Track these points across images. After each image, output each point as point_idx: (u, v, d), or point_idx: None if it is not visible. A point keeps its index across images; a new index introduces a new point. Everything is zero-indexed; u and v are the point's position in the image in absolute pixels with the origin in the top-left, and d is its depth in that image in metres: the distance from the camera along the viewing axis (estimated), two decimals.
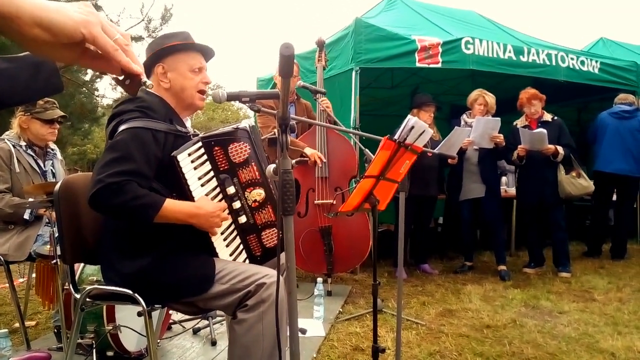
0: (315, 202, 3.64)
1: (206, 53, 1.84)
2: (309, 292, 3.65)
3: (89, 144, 19.90)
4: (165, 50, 1.75)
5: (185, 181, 1.63)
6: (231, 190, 1.76)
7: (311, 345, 2.66)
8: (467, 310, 3.36)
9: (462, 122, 4.57)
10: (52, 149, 2.91)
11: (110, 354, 2.33)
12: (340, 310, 3.39)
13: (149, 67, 1.78)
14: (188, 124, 1.88)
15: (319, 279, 3.22)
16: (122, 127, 1.58)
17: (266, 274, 1.60)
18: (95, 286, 1.63)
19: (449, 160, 4.30)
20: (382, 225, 6.11)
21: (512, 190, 5.64)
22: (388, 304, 3.51)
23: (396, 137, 1.66)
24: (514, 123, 4.63)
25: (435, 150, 4.19)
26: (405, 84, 6.65)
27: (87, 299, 1.62)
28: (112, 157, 1.50)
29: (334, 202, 3.65)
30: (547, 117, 4.45)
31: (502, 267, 4.38)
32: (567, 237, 4.45)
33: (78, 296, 1.63)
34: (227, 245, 1.75)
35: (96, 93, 10.02)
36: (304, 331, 2.82)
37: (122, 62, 0.68)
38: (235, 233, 1.80)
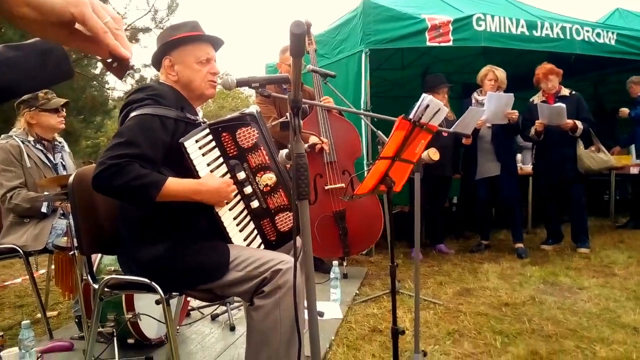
0: (326, 187, 3.62)
1: (214, 43, 1.83)
2: (324, 277, 3.66)
3: (102, 136, 20.08)
4: (171, 43, 1.74)
5: (194, 167, 1.62)
6: (241, 175, 1.75)
7: (329, 328, 2.67)
8: (484, 289, 3.34)
9: (473, 101, 4.48)
10: (60, 142, 2.93)
11: (131, 341, 2.36)
12: (357, 292, 3.39)
13: (157, 60, 1.78)
14: (200, 114, 1.87)
15: (335, 262, 3.21)
16: (131, 114, 1.58)
17: (282, 259, 1.59)
18: (113, 276, 1.64)
19: (464, 140, 4.24)
20: (395, 207, 6.07)
21: (528, 167, 5.55)
22: (405, 285, 3.50)
23: (411, 116, 1.63)
24: (531, 99, 4.54)
25: (450, 130, 4.13)
26: (416, 64, 6.54)
27: (106, 289, 1.64)
28: (117, 142, 1.51)
29: (345, 186, 3.63)
30: (565, 91, 4.34)
31: (520, 245, 4.33)
32: (586, 212, 4.37)
33: (96, 286, 1.64)
34: (240, 231, 1.75)
35: (107, 86, 10.06)
36: (321, 314, 2.83)
37: (110, 45, 0.66)
38: (248, 218, 1.80)
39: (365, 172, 4.50)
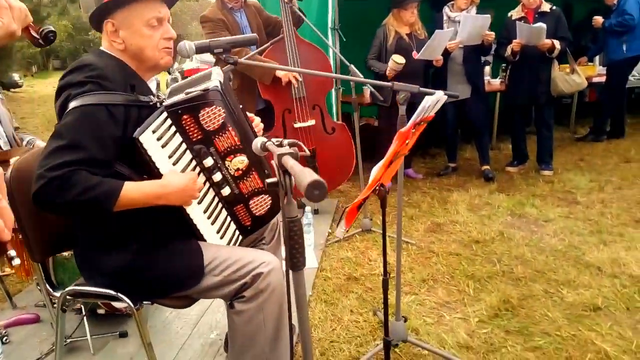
0: (295, 125, 3.39)
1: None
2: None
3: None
4: (113, 2, 1.38)
5: (154, 164, 1.39)
6: (209, 162, 1.54)
7: (306, 280, 2.64)
8: (455, 224, 3.38)
9: (445, 16, 4.17)
10: None
11: (101, 311, 2.26)
12: (329, 231, 3.36)
13: (97, 22, 1.42)
14: (153, 85, 1.57)
15: (307, 207, 3.12)
16: (71, 105, 1.29)
17: (262, 261, 1.46)
18: (74, 288, 1.47)
19: (434, 62, 4.00)
20: (362, 119, 5.92)
21: (496, 82, 5.44)
22: (376, 221, 3.49)
23: (411, 123, 1.41)
24: (509, 14, 4.26)
25: (418, 56, 3.88)
26: None
27: (68, 297, 1.48)
28: (57, 146, 1.24)
29: (315, 123, 3.42)
30: (546, 6, 4.08)
31: (486, 167, 4.36)
32: (553, 135, 4.38)
33: (58, 294, 1.47)
34: (212, 223, 1.58)
35: None
36: None
37: None
38: (220, 207, 1.62)
39: (334, 105, 4.27)
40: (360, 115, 5.56)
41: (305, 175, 0.77)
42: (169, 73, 11.55)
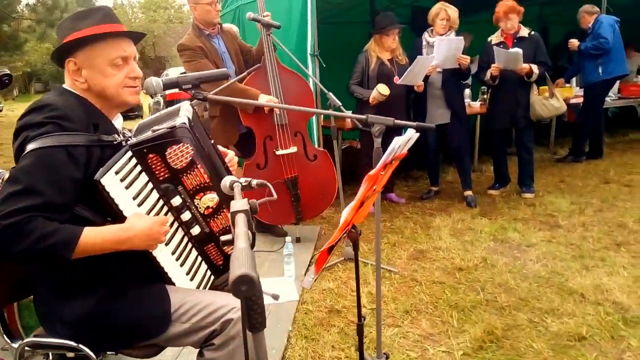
0: (277, 152, 3.34)
1: (132, 36, 1.43)
2: (276, 242, 3.52)
3: (19, 61, 17.94)
4: (74, 42, 1.33)
5: (116, 206, 1.32)
6: (177, 201, 1.48)
7: (285, 314, 2.57)
8: (438, 250, 3.34)
9: (424, 42, 4.21)
10: None
11: (70, 355, 2.14)
12: (311, 260, 3.29)
13: (58, 60, 1.37)
14: (118, 122, 1.51)
15: (288, 238, 3.05)
16: (28, 147, 1.23)
17: (233, 307, 1.39)
18: (32, 339, 1.38)
19: (415, 88, 4.02)
20: (344, 142, 5.91)
21: (476, 105, 5.48)
22: (360, 249, 3.43)
23: (380, 165, 1.37)
24: (489, 39, 4.32)
25: (400, 82, 3.90)
26: None
27: (27, 349, 1.39)
28: (12, 191, 1.17)
29: (297, 150, 3.38)
30: (524, 32, 4.15)
31: (469, 193, 4.35)
32: (533, 158, 4.41)
33: (15, 346, 1.38)
34: (181, 265, 1.51)
35: (14, 15, 8.49)
36: (276, 297, 2.70)
37: None
38: (189, 247, 1.56)
39: (314, 130, 4.24)
40: (342, 137, 5.60)
41: (239, 263, 0.72)
42: (152, 97, 11.44)
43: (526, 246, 3.32)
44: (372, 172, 1.27)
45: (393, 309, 2.61)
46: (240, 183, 1.24)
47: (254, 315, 0.79)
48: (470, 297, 2.68)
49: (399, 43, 4.08)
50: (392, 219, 4.01)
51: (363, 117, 1.80)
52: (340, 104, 2.95)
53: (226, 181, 1.27)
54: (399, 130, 4.45)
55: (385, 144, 4.28)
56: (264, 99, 3.18)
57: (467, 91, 5.89)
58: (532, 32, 4.17)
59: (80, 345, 1.32)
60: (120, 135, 1.43)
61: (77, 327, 1.33)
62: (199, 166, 1.50)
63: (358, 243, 1.55)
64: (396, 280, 2.93)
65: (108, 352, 1.40)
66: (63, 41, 1.35)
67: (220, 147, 1.82)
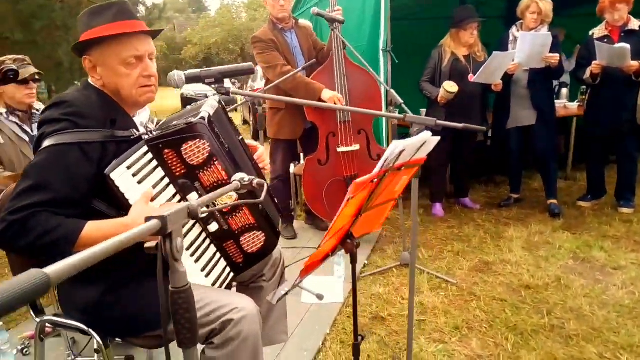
0: (339, 149, 3.28)
1: (148, 34, 1.44)
2: None
3: None
4: (86, 41, 1.37)
5: (127, 200, 1.33)
6: (194, 197, 1.47)
7: (326, 316, 2.50)
8: (505, 264, 3.05)
9: (511, 37, 3.84)
10: (38, 110, 2.66)
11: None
12: (366, 262, 3.18)
13: (80, 56, 1.43)
14: (144, 115, 1.53)
15: None
16: (44, 144, 1.28)
17: (235, 307, 1.35)
18: (51, 317, 1.46)
19: (493, 87, 3.70)
20: None
21: (573, 106, 4.94)
22: (418, 255, 3.25)
23: (376, 171, 1.23)
24: (590, 33, 3.84)
25: (474, 79, 3.62)
26: None
27: (47, 327, 1.47)
28: (24, 187, 1.23)
29: (360, 148, 3.28)
30: (634, 24, 3.62)
31: (553, 201, 3.92)
32: (637, 169, 3.86)
33: (38, 321, 1.47)
34: (196, 261, 1.50)
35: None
36: (320, 297, 2.63)
37: None
38: (207, 243, 1.55)
39: (384, 129, 4.08)
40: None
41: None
42: None
43: (612, 268, 2.91)
44: (359, 180, 1.15)
45: (442, 323, 2.42)
46: (239, 182, 1.20)
47: (182, 331, 0.73)
48: (533, 320, 2.40)
49: (477, 38, 3.79)
50: (462, 226, 3.74)
51: (400, 116, 1.66)
52: (402, 101, 2.78)
53: (236, 176, 1.24)
54: (473, 133, 4.16)
55: (456, 148, 4.04)
56: (327, 94, 3.13)
57: (565, 91, 5.35)
58: None
59: (90, 330, 1.36)
60: (142, 129, 1.46)
61: (86, 312, 1.38)
62: (216, 163, 1.48)
63: (355, 256, 1.42)
64: (452, 292, 2.72)
65: (116, 339, 1.44)
66: (79, 39, 1.39)
67: (250, 142, 1.80)
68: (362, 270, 3.05)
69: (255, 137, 9.28)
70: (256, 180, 1.21)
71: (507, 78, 3.72)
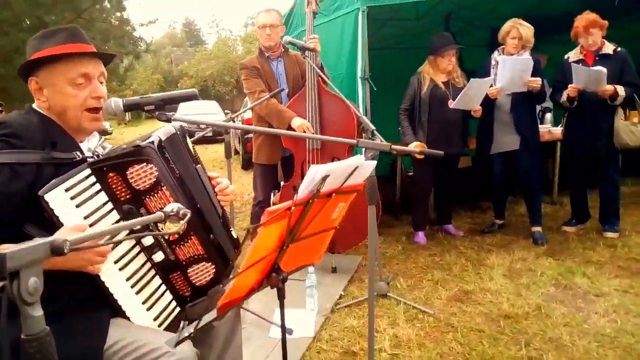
0: None
1: (99, 57, 1.42)
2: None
3: (126, 89, 19.84)
4: (33, 61, 1.34)
5: (61, 224, 1.27)
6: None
7: (293, 352, 2.38)
8: (485, 292, 2.96)
9: (493, 62, 3.86)
10: None
11: None
12: (342, 293, 3.08)
13: (25, 78, 1.39)
14: (93, 142, 1.49)
15: (310, 269, 2.88)
16: None
17: (167, 350, 1.26)
18: None
19: (472, 113, 3.69)
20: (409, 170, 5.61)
21: (557, 131, 4.92)
22: (396, 284, 3.16)
23: (299, 197, 1.17)
24: (566, 56, 3.87)
25: (453, 106, 3.61)
26: (434, 12, 5.78)
27: None
28: None
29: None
30: (609, 48, 3.65)
31: (537, 229, 3.86)
32: (619, 193, 3.81)
33: None
34: (137, 293, 1.42)
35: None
36: (290, 332, 2.53)
37: None
38: (151, 274, 1.47)
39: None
40: (404, 168, 5.32)
41: None
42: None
43: (594, 295, 2.82)
44: (272, 207, 1.08)
45: (416, 357, 2.32)
46: (167, 212, 1.14)
47: None
48: (510, 352, 2.30)
49: (456, 64, 3.81)
50: (443, 254, 3.66)
51: (353, 141, 1.62)
52: (373, 128, 2.74)
53: (168, 207, 1.18)
54: (454, 160, 4.14)
55: (438, 174, 4.01)
56: (296, 122, 3.12)
57: (549, 116, 5.34)
58: (619, 49, 3.64)
59: None
60: (88, 154, 1.41)
61: (11, 351, 1.29)
62: (164, 188, 1.43)
63: (283, 291, 1.34)
64: (428, 324, 2.62)
65: None
66: (27, 60, 1.37)
67: (213, 174, 1.75)
68: (337, 302, 2.95)
69: (246, 166, 9.27)
70: (182, 211, 1.15)
71: (490, 103, 3.71)
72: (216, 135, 12.42)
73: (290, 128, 3.13)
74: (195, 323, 1.11)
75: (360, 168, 1.28)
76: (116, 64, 9.03)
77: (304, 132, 3.11)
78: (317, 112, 3.22)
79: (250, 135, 3.72)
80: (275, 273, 1.27)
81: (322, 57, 3.48)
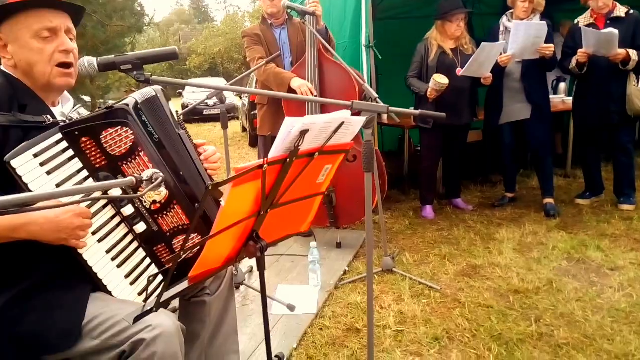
0: None
1: (67, 9, 1.30)
2: (306, 243, 3.27)
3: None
4: None
5: (30, 192, 1.18)
6: (116, 192, 1.32)
7: (296, 329, 2.31)
8: (494, 267, 2.85)
9: (502, 27, 3.67)
10: None
11: None
12: (346, 269, 2.99)
13: None
14: (68, 106, 1.39)
15: (313, 243, 2.78)
16: None
17: (148, 324, 1.17)
18: None
19: (482, 80, 3.51)
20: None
21: (570, 101, 4.73)
22: (402, 259, 3.06)
23: (272, 154, 1.05)
24: (575, 20, 3.67)
25: (462, 73, 3.44)
26: None
27: None
28: None
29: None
30: (620, 11, 3.44)
31: (549, 200, 3.71)
32: (634, 162, 3.64)
33: None
34: (119, 266, 1.34)
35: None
36: (292, 308, 2.47)
37: None
38: (134, 246, 1.38)
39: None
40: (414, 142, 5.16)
41: None
42: (240, 98, 11.54)
43: (609, 269, 2.70)
44: (240, 165, 0.96)
45: (422, 334, 2.22)
46: (139, 178, 1.04)
47: None
48: (519, 328, 2.20)
49: (465, 30, 3.62)
50: (451, 228, 3.54)
51: (348, 103, 1.49)
52: (376, 95, 2.61)
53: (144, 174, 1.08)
54: (463, 131, 3.98)
55: (446, 147, 3.88)
56: (296, 82, 2.98)
57: (563, 85, 5.14)
58: (631, 11, 3.43)
59: None
60: (52, 118, 1.30)
61: None
62: (142, 153, 1.34)
63: (263, 261, 1.23)
64: (435, 300, 2.53)
65: None
66: None
67: (200, 141, 1.64)
68: (341, 278, 2.86)
69: (253, 143, 9.13)
70: (155, 175, 1.05)
71: (499, 71, 3.54)
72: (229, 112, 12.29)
73: (290, 90, 3.00)
74: (157, 298, 1.02)
75: (347, 124, 1.16)
76: (123, 41, 8.88)
77: (304, 93, 2.97)
78: (317, 78, 3.08)
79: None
80: (252, 241, 1.16)
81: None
